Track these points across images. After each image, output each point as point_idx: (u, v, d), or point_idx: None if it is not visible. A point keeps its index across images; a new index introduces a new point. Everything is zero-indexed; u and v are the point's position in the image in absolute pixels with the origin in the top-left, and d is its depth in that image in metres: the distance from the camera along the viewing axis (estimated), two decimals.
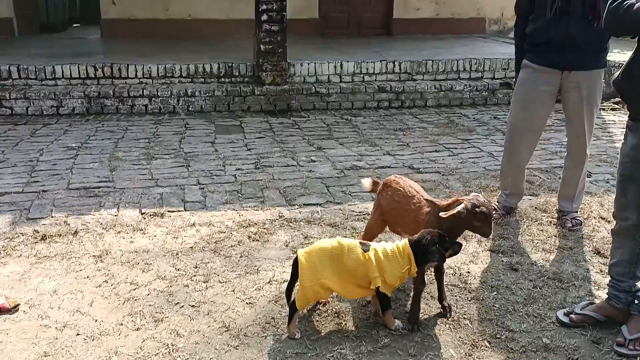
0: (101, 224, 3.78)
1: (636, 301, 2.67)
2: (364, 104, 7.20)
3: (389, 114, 6.95)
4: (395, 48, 8.89)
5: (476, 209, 2.64)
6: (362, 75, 7.48)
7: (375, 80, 7.49)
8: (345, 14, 10.87)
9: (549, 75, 3.66)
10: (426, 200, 2.87)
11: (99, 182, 4.53)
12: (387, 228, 3.15)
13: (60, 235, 3.59)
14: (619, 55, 8.61)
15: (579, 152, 3.79)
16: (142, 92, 6.78)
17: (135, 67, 7.03)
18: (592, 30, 3.46)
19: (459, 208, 2.64)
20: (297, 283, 2.62)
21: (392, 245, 2.66)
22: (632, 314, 2.66)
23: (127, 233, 3.66)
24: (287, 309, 2.69)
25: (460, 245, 2.70)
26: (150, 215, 3.92)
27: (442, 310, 2.84)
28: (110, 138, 5.74)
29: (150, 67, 7.07)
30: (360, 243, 2.66)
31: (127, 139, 5.72)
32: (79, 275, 3.15)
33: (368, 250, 2.60)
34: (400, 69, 7.57)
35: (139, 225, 3.77)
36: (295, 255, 2.65)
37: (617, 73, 2.61)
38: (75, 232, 3.63)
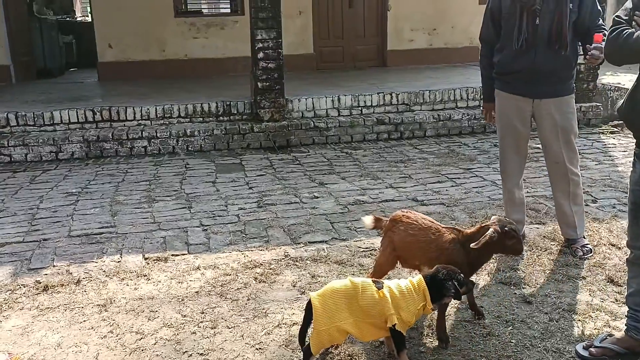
0: (104, 271, 3.71)
1: None
2: (363, 137, 7.21)
3: (388, 145, 6.94)
4: (391, 79, 8.95)
5: (505, 227, 2.74)
6: (360, 108, 7.51)
7: (374, 112, 7.52)
8: (340, 48, 10.99)
9: (521, 103, 3.71)
10: (446, 228, 2.91)
11: (101, 227, 4.48)
12: (397, 264, 3.10)
13: (62, 285, 3.52)
14: (612, 77, 8.69)
15: (560, 178, 3.78)
16: (141, 133, 6.78)
17: (133, 109, 7.05)
18: (559, 59, 3.53)
19: (489, 233, 2.69)
20: (311, 326, 2.54)
21: (405, 282, 2.62)
22: None
23: (131, 280, 3.59)
24: (300, 353, 2.61)
25: (474, 282, 2.67)
26: (154, 260, 3.86)
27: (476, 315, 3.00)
28: (110, 182, 5.71)
29: (148, 109, 7.09)
30: (373, 281, 2.61)
31: (128, 182, 5.68)
32: (83, 326, 3.07)
33: (382, 288, 2.55)
34: (397, 100, 7.60)
35: (142, 271, 3.71)
36: (307, 299, 2.57)
37: (622, 101, 2.60)
38: (78, 281, 3.57)
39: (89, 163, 6.46)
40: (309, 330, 2.56)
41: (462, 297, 2.82)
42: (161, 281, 3.57)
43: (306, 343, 2.55)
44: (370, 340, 2.77)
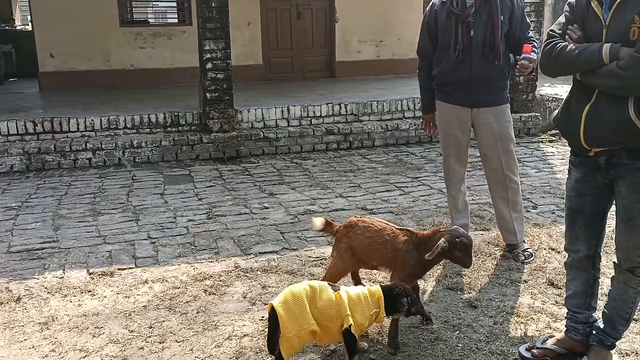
0: (46, 288, 3.58)
1: (594, 332, 2.72)
2: (312, 147, 7.25)
3: (338, 155, 7.01)
4: (340, 90, 9.05)
5: (456, 239, 2.82)
6: (309, 118, 7.55)
7: (323, 122, 7.58)
8: (289, 59, 11.04)
9: (460, 112, 3.86)
10: (400, 229, 3.03)
11: (42, 242, 4.32)
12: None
13: (1, 303, 3.37)
14: (550, 88, 9.07)
15: (499, 185, 3.93)
16: (85, 145, 6.60)
17: (77, 119, 6.86)
18: (493, 68, 3.72)
19: (440, 243, 2.79)
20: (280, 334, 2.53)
21: (362, 288, 2.72)
22: (591, 344, 2.71)
23: (75, 296, 3.48)
24: None
25: (422, 305, 2.85)
26: (99, 274, 3.76)
27: (424, 320, 3.07)
28: (52, 195, 5.53)
29: (92, 120, 6.91)
30: (329, 284, 2.67)
31: (71, 195, 5.51)
32: (24, 345, 2.95)
33: (338, 290, 2.62)
34: (346, 111, 7.69)
35: (87, 286, 3.60)
36: (270, 307, 2.53)
37: (557, 112, 2.72)
38: (18, 299, 3.43)
39: (30, 176, 6.23)
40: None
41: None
42: (107, 296, 3.48)
43: (277, 350, 2.53)
44: (325, 345, 2.78)
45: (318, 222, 3.16)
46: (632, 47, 2.30)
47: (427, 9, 3.90)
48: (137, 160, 6.71)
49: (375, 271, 3.48)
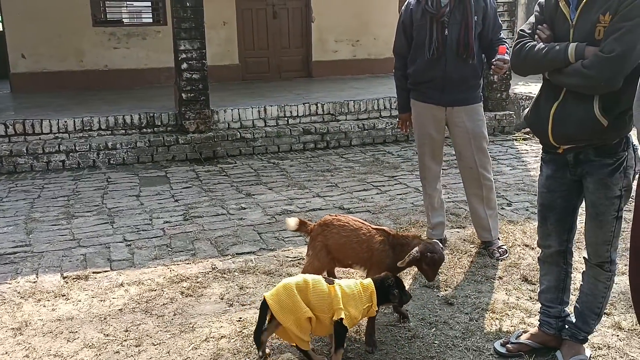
0: (19, 292, 3.52)
1: (566, 326, 2.78)
2: (290, 147, 7.24)
3: (315, 155, 7.01)
4: (316, 90, 9.06)
5: (429, 253, 2.87)
6: (286, 118, 7.55)
7: (300, 122, 7.58)
8: (265, 59, 11.02)
9: (435, 111, 3.91)
10: (375, 229, 3.06)
11: (15, 247, 4.25)
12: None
13: None
14: (523, 87, 9.20)
15: (473, 183, 3.99)
16: (59, 147, 6.50)
17: (49, 121, 6.75)
18: (467, 67, 3.78)
19: (413, 252, 2.86)
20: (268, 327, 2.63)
21: (354, 281, 2.76)
22: (563, 338, 2.76)
23: (48, 300, 3.43)
24: None
25: (411, 296, 2.86)
26: (73, 278, 3.71)
27: (401, 318, 3.10)
28: (25, 198, 5.43)
29: (66, 121, 6.81)
30: (324, 278, 2.74)
31: (44, 198, 5.43)
32: None
33: (332, 284, 2.67)
34: (323, 110, 7.70)
35: (61, 290, 3.55)
36: (262, 300, 2.64)
37: (527, 110, 2.77)
38: None
39: (1, 179, 6.12)
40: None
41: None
42: (81, 300, 3.43)
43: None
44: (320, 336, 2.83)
45: (292, 222, 3.17)
46: (598, 47, 2.36)
47: (403, 8, 3.93)
48: (112, 161, 6.63)
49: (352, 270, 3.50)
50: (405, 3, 3.93)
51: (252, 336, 2.75)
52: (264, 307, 2.62)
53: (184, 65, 6.85)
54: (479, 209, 3.99)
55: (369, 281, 2.75)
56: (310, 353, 2.68)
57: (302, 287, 2.63)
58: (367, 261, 2.99)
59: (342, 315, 2.57)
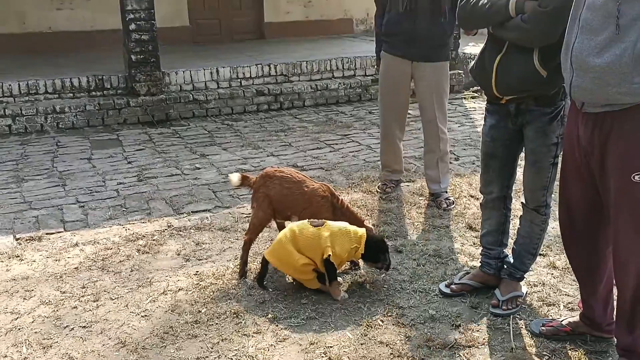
0: None
1: (505, 266, 2.97)
2: (243, 109, 7.23)
3: (269, 116, 7.04)
4: (269, 51, 8.99)
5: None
6: (239, 80, 7.49)
7: (253, 84, 7.54)
8: (217, 20, 10.80)
9: (401, 64, 4.06)
10: (319, 183, 3.23)
11: None
12: None
13: None
14: (473, 48, 9.38)
15: (432, 137, 4.17)
16: (4, 111, 6.30)
17: None
18: (437, 26, 3.92)
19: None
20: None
21: (344, 224, 2.97)
22: (502, 278, 2.96)
23: (2, 261, 3.42)
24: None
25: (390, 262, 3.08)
26: (26, 240, 3.69)
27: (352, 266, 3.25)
28: None
29: (10, 85, 6.58)
30: (309, 221, 2.94)
31: None
32: None
33: (320, 226, 2.89)
34: (276, 72, 7.68)
35: (14, 252, 3.54)
36: (262, 257, 3.03)
37: (473, 63, 2.89)
38: None
39: None
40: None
41: None
42: (36, 260, 3.44)
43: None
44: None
45: (235, 177, 3.25)
46: (536, 1, 2.48)
47: None
48: (60, 125, 6.48)
49: None
50: None
51: (255, 282, 3.08)
52: (265, 262, 2.98)
53: (132, 26, 6.69)
54: (433, 161, 4.16)
55: (363, 230, 2.97)
56: (322, 288, 2.95)
57: (290, 237, 2.86)
58: (305, 212, 3.09)
59: (330, 253, 2.81)
